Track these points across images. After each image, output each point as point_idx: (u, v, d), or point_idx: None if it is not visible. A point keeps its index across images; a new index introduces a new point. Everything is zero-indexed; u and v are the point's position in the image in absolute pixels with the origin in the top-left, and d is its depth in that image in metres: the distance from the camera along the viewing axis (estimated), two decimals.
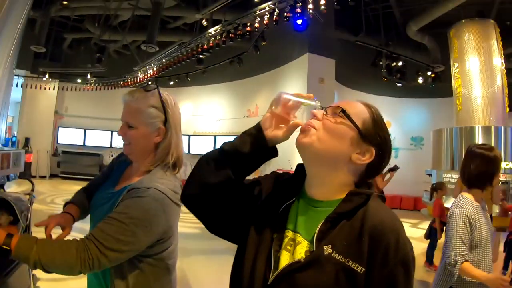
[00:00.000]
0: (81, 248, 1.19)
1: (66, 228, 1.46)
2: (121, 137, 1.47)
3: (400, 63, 10.14)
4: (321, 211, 0.95)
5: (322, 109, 0.99)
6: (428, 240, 5.70)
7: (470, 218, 2.04)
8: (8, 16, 2.83)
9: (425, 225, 8.58)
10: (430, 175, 9.75)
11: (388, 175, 6.63)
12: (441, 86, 10.59)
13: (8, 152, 2.59)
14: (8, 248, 1.14)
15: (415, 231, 8.27)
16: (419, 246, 6.31)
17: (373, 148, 0.96)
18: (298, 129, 0.98)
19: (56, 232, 1.48)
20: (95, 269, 1.21)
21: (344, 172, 0.97)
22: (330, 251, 0.86)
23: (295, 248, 0.93)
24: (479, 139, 7.69)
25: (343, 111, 0.96)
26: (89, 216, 1.61)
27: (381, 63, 10.14)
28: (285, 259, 0.93)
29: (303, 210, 1.00)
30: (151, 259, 1.40)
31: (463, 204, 2.10)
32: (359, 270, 0.84)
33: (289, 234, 0.98)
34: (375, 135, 0.97)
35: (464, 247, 1.99)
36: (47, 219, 1.48)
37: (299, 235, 0.95)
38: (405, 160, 12.18)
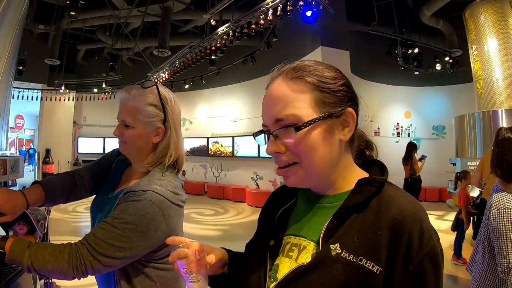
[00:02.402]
0: (74, 253, 1.14)
1: (7, 216, 1.27)
2: (117, 137, 1.41)
3: (416, 50, 9.87)
4: (329, 207, 0.84)
5: (268, 138, 0.83)
6: (455, 232, 5.48)
7: None
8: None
9: (451, 216, 8.34)
10: (454, 164, 9.50)
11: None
12: (460, 72, 10.29)
13: (4, 158, 2.53)
14: (2, 251, 1.11)
15: (441, 223, 8.05)
16: (446, 239, 6.11)
17: (348, 109, 0.81)
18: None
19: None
20: (90, 274, 1.17)
21: (342, 161, 0.85)
22: (339, 251, 0.74)
23: (300, 254, 0.82)
24: (504, 123, 7.41)
25: (294, 125, 0.77)
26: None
27: (396, 51, 9.91)
28: (286, 267, 0.82)
29: (306, 210, 0.89)
30: (157, 264, 1.34)
31: (510, 204, 1.86)
32: (374, 270, 0.71)
33: (291, 239, 0.88)
34: (336, 95, 0.80)
35: None
36: None
37: (303, 239, 0.85)
38: (428, 150, 11.86)
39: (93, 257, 1.14)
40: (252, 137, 0.90)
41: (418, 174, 7.51)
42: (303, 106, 0.78)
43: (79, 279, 1.18)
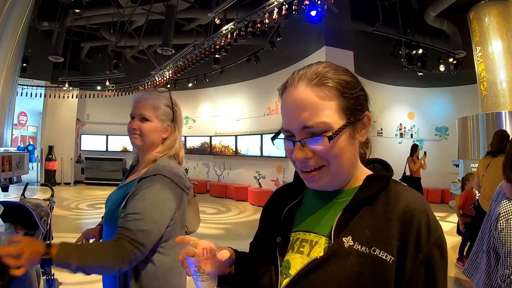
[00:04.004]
0: (118, 248, 1.32)
1: (96, 237, 1.78)
2: (133, 130, 1.62)
3: (420, 51, 9.84)
4: (338, 202, 0.87)
5: (293, 145, 0.82)
6: (460, 236, 5.40)
7: None
8: (6, 25, 2.82)
9: (454, 218, 8.32)
10: (457, 165, 9.48)
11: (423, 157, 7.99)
12: (463, 73, 10.26)
13: (10, 154, 2.55)
14: (49, 257, 1.21)
15: (443, 225, 7.76)
16: (448, 240, 6.05)
17: (366, 112, 0.86)
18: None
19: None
20: (132, 263, 1.36)
21: (357, 158, 0.89)
22: (351, 243, 0.77)
23: (312, 249, 0.84)
24: (507, 125, 7.40)
25: (325, 134, 0.78)
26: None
27: (400, 52, 9.88)
28: (298, 262, 0.84)
29: (314, 206, 0.91)
30: (157, 247, 1.48)
31: None
32: (388, 259, 0.74)
33: (300, 235, 0.89)
34: (358, 101, 0.84)
35: None
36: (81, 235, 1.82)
37: (314, 234, 0.86)
38: (431, 151, 11.89)
39: (134, 247, 1.33)
40: (271, 140, 0.90)
41: (410, 173, 7.92)
42: (330, 113, 0.79)
43: (124, 269, 1.37)
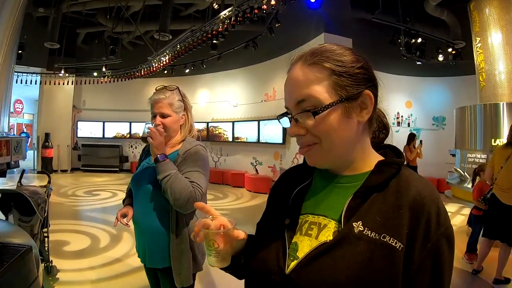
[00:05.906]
0: (193, 189, 1.88)
1: (129, 213, 2.10)
2: (157, 126, 2.03)
3: (419, 40, 9.80)
4: (348, 186, 0.87)
5: (290, 121, 0.87)
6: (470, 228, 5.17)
7: None
8: (0, 11, 2.79)
9: (449, 207, 8.39)
10: (453, 155, 9.50)
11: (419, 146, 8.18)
12: (462, 64, 10.23)
13: (7, 139, 2.54)
14: (165, 155, 1.93)
15: None
16: None
17: (365, 91, 0.82)
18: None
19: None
20: (196, 200, 1.84)
21: (360, 142, 0.87)
22: (361, 228, 0.77)
23: (321, 232, 0.83)
24: (505, 117, 7.40)
25: (312, 110, 0.80)
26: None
27: (399, 41, 9.84)
28: (306, 245, 0.83)
29: (323, 190, 0.91)
30: None
31: None
32: (397, 247, 0.74)
33: (309, 218, 0.88)
34: (354, 76, 0.82)
35: None
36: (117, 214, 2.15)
37: (323, 217, 0.86)
38: (427, 141, 11.88)
39: (196, 192, 1.89)
40: (277, 119, 0.93)
41: (406, 162, 7.90)
42: (321, 90, 0.80)
43: (187, 201, 1.84)
